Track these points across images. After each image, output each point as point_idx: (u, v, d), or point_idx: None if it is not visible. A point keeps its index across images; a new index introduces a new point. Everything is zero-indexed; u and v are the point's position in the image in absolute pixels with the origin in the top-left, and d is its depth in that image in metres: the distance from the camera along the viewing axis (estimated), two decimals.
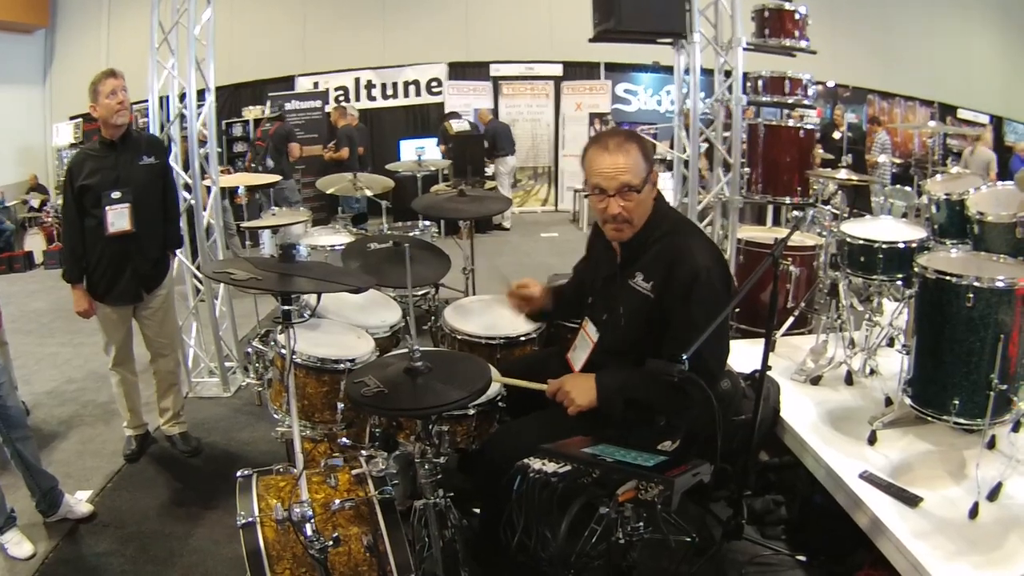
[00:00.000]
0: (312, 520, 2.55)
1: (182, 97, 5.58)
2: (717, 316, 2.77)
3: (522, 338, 3.81)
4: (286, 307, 2.61)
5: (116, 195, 4.34)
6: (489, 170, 12.98)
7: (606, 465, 2.25)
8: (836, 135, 11.82)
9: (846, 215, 5.07)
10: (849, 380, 4.50)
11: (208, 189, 5.80)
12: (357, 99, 14.78)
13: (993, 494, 3.20)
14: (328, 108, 13.52)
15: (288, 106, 13.06)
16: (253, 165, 10.17)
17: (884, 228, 4.45)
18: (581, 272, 3.56)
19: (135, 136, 4.52)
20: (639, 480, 2.13)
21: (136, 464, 4.82)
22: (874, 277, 4.32)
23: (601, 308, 3.20)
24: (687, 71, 5.86)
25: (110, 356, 4.70)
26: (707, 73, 5.91)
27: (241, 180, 7.62)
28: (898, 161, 12.13)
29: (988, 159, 11.39)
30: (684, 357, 2.32)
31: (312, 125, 13.15)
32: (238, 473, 2.89)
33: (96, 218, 4.35)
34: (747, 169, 5.84)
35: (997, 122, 15.10)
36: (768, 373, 3.27)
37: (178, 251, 5.66)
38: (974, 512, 3.09)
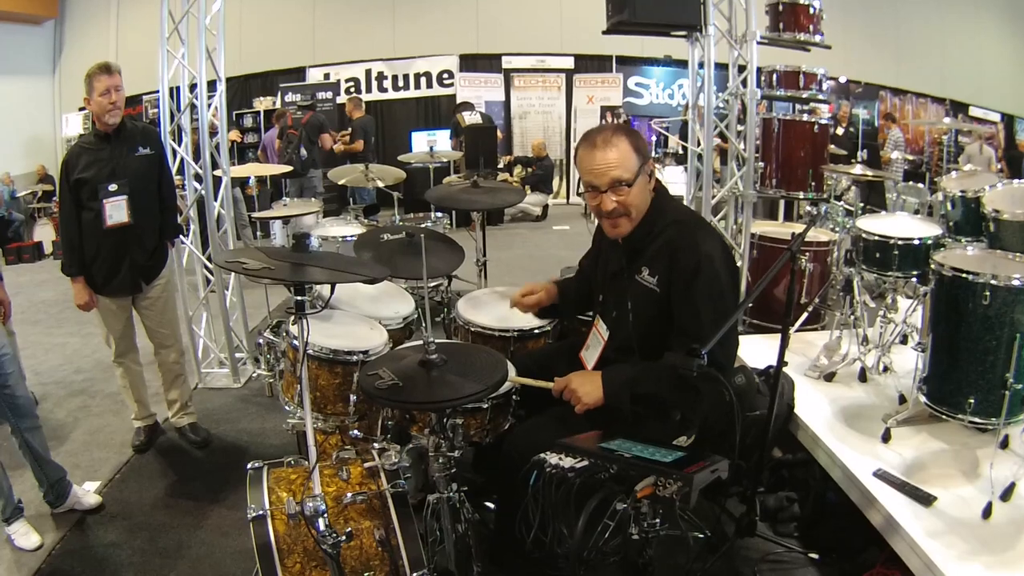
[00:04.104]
0: (325, 514, 2.53)
1: (192, 87, 5.57)
2: (722, 305, 2.78)
3: (536, 331, 3.79)
4: (299, 298, 2.59)
5: (113, 187, 4.33)
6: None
7: (624, 461, 2.23)
8: (839, 130, 11.82)
9: (860, 211, 5.03)
10: (863, 377, 4.48)
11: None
12: (368, 91, 14.77)
13: (1006, 494, 3.17)
14: (340, 99, 13.54)
15: (290, 97, 13.09)
16: (288, 153, 10.12)
17: (899, 225, 4.43)
18: (587, 267, 3.55)
19: (130, 127, 4.50)
20: (658, 476, 2.11)
21: (145, 455, 4.82)
22: (889, 274, 4.30)
23: (611, 305, 3.19)
24: (701, 65, 5.82)
25: (112, 348, 4.70)
26: (720, 67, 5.87)
27: (252, 170, 7.61)
28: (910, 158, 12.11)
29: (990, 155, 11.49)
30: (703, 352, 2.29)
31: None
32: (249, 465, 2.87)
33: (93, 211, 4.34)
34: (761, 164, 5.81)
35: (1008, 120, 15.09)
36: (783, 369, 3.25)
37: (188, 241, 5.68)
38: (987, 512, 3.07)
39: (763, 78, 5.91)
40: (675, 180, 9.37)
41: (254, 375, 5.96)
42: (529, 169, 13.84)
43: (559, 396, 2.99)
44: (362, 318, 3.84)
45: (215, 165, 5.76)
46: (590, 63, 15.15)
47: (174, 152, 5.48)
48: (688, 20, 5.62)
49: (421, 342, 2.85)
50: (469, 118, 12.28)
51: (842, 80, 14.51)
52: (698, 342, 2.35)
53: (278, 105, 13.30)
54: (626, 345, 3.08)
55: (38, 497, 4.06)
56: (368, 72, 14.89)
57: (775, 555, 3.58)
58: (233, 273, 5.58)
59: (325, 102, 13.33)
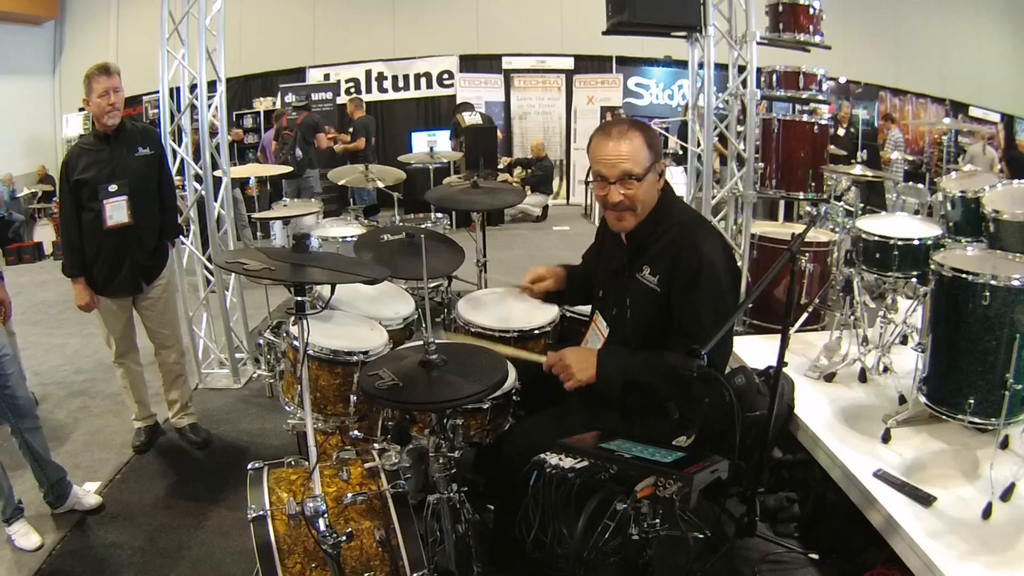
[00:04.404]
0: (325, 515, 2.53)
1: (192, 88, 5.57)
2: (722, 307, 2.77)
3: (536, 331, 3.77)
4: (300, 298, 2.58)
5: (113, 188, 4.32)
6: None
7: (624, 461, 2.23)
8: (839, 131, 11.83)
9: (859, 211, 5.04)
10: (863, 377, 4.48)
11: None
12: (368, 91, 14.78)
13: (1006, 494, 3.17)
14: (340, 100, 13.54)
15: (290, 97, 13.10)
16: (283, 154, 10.13)
17: (900, 225, 4.43)
18: (589, 261, 3.55)
19: (129, 128, 4.49)
20: (658, 476, 2.11)
21: (145, 456, 4.82)
22: (889, 274, 4.30)
23: (611, 302, 3.18)
24: (701, 65, 5.82)
25: (113, 349, 4.70)
26: (720, 67, 5.87)
27: (252, 171, 7.60)
28: (910, 158, 12.12)
29: (993, 156, 11.47)
30: (703, 352, 2.29)
31: (325, 117, 13.04)
32: (249, 466, 2.86)
33: (93, 212, 4.33)
34: (761, 164, 5.81)
35: (1008, 120, 15.08)
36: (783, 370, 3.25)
37: (188, 241, 5.68)
38: (987, 512, 3.07)
39: (763, 79, 5.91)
40: (675, 181, 9.37)
41: (254, 376, 5.95)
42: (529, 170, 13.85)
43: (549, 371, 2.99)
44: (362, 319, 3.83)
45: (215, 165, 5.76)
46: (590, 63, 15.15)
47: (174, 153, 5.47)
48: (688, 21, 5.62)
49: (421, 342, 2.85)
50: (469, 118, 12.28)
51: (842, 80, 14.53)
52: (698, 343, 2.34)
53: (278, 105, 13.30)
54: (625, 343, 3.07)
55: (38, 497, 4.05)
56: (368, 72, 14.90)
57: (775, 555, 3.57)
58: (233, 274, 5.58)
59: (324, 103, 13.33)
